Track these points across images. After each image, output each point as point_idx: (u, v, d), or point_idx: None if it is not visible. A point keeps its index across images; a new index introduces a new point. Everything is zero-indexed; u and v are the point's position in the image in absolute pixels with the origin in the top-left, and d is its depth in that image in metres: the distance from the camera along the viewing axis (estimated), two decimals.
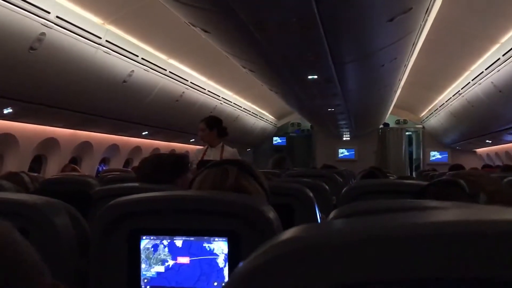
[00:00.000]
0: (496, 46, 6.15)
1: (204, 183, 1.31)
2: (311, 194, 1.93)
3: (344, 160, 14.67)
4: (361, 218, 0.38)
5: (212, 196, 1.15)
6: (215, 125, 4.35)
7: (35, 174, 4.41)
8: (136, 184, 1.88)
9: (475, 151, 13.52)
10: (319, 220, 1.92)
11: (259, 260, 0.35)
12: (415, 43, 5.74)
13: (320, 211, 2.05)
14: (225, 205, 1.10)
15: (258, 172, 1.37)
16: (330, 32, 3.88)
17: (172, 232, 1.13)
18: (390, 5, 3.55)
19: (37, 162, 6.52)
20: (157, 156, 2.19)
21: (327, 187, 2.60)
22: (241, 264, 0.37)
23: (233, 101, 10.24)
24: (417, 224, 0.33)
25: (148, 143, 9.30)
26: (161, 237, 1.14)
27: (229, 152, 4.32)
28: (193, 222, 1.11)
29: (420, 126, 14.97)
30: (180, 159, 2.14)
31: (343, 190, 2.04)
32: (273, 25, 3.66)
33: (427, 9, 4.26)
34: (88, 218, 1.45)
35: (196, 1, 3.39)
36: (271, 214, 1.08)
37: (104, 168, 7.88)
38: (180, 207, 1.13)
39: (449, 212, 0.41)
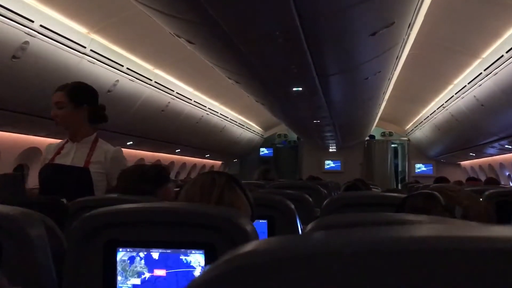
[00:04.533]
0: (478, 60, 6.26)
1: (191, 193, 1.31)
2: (292, 206, 1.93)
3: (331, 171, 14.72)
4: (323, 232, 0.38)
5: (188, 208, 1.15)
6: (84, 99, 2.48)
7: None
8: (115, 195, 1.86)
9: (459, 164, 13.68)
10: (300, 232, 1.92)
11: (215, 271, 0.35)
12: (399, 57, 5.81)
13: (303, 223, 2.05)
14: (202, 218, 1.09)
15: (244, 185, 1.39)
16: (313, 45, 3.92)
17: (148, 244, 1.12)
18: (372, 20, 3.60)
19: (19, 171, 6.43)
20: (138, 167, 2.17)
21: (310, 199, 2.60)
22: (200, 273, 0.37)
23: (219, 112, 10.25)
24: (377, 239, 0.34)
25: (133, 153, 9.23)
26: (138, 249, 1.13)
27: (105, 152, 2.50)
28: (169, 234, 1.11)
29: (406, 138, 15.11)
30: (161, 170, 2.13)
31: (325, 202, 2.04)
32: (257, 37, 3.68)
33: (410, 23, 4.33)
34: (65, 229, 1.43)
35: (180, 13, 3.40)
36: (248, 227, 1.08)
37: None
38: (156, 219, 1.12)
39: (416, 228, 0.41)
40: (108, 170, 2.44)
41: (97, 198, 1.84)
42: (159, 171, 2.12)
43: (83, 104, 2.49)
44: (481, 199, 1.44)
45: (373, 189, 4.48)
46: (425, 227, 0.42)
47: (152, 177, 2.05)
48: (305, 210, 2.47)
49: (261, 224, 1.87)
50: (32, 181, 6.27)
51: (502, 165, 10.16)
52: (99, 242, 1.13)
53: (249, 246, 0.37)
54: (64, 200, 1.64)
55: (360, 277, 0.32)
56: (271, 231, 1.89)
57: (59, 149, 2.50)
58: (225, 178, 1.35)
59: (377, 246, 0.32)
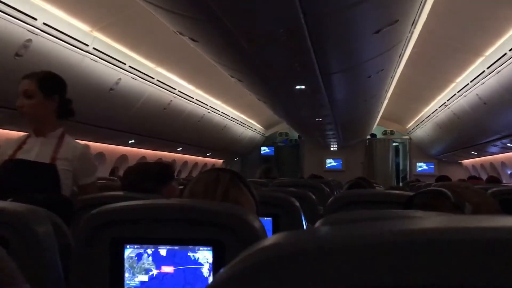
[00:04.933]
0: (481, 59, 6.25)
1: (195, 191, 1.31)
2: (297, 204, 1.92)
3: (332, 170, 14.73)
4: (338, 226, 0.38)
5: (196, 205, 1.14)
6: (55, 89, 2.29)
7: None
8: (120, 193, 1.85)
9: (461, 163, 13.67)
10: None
11: (236, 268, 0.35)
12: (402, 55, 5.81)
13: (307, 221, 2.05)
14: (210, 215, 1.09)
15: (249, 182, 1.38)
16: (317, 43, 3.91)
17: (156, 241, 1.11)
18: (376, 18, 3.59)
19: None
20: (142, 165, 2.16)
21: (313, 196, 2.60)
22: (220, 272, 0.36)
23: (221, 110, 10.24)
24: (388, 232, 0.33)
25: (134, 152, 9.24)
26: (145, 246, 1.12)
27: (73, 148, 2.27)
28: (177, 231, 1.10)
29: (407, 137, 15.10)
30: (166, 168, 2.12)
31: (330, 200, 2.03)
32: (261, 35, 3.68)
33: (413, 21, 4.32)
34: (71, 226, 1.43)
35: (184, 10, 3.39)
36: (256, 224, 1.08)
37: None
38: (163, 216, 1.11)
39: (426, 221, 0.41)
40: (75, 167, 2.22)
41: (103, 195, 1.83)
42: (163, 169, 2.11)
43: (54, 95, 2.26)
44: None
45: (376, 187, 4.47)
46: (434, 220, 0.41)
47: (156, 175, 2.05)
48: (308, 208, 2.46)
49: (266, 222, 1.87)
50: None
51: (503, 163, 10.15)
52: (106, 239, 1.13)
53: (271, 240, 0.37)
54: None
55: (371, 271, 0.31)
56: (276, 229, 1.88)
57: (21, 144, 2.25)
58: (229, 175, 1.34)
59: (387, 239, 0.31)
